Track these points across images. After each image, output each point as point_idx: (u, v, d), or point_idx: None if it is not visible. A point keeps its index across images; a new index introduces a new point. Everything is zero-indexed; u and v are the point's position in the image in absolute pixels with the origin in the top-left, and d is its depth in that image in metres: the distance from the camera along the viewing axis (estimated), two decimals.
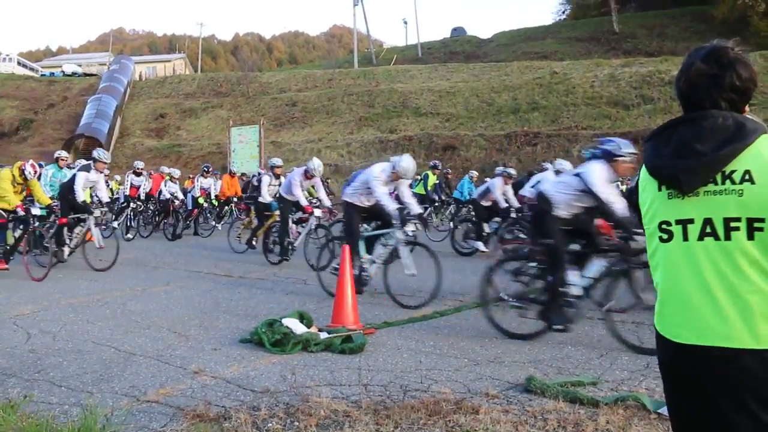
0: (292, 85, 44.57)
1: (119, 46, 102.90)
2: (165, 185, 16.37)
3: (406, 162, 7.84)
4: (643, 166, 1.94)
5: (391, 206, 7.63)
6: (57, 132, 41.72)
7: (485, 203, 12.34)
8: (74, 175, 10.69)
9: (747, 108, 1.82)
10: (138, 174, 17.66)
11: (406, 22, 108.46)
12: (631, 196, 6.95)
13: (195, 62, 75.30)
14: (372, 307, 7.33)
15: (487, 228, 12.40)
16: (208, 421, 3.74)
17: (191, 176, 20.61)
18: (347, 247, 6.80)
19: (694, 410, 1.80)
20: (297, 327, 5.68)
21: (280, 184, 11.80)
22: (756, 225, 1.67)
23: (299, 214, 11.06)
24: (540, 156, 26.78)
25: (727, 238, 1.71)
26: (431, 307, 7.16)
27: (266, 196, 11.92)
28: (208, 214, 17.82)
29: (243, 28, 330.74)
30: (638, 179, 2.01)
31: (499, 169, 13.66)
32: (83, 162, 12.39)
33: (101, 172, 10.84)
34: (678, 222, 1.80)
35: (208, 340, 5.82)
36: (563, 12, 68.86)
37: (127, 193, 17.45)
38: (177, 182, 16.91)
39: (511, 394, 4.29)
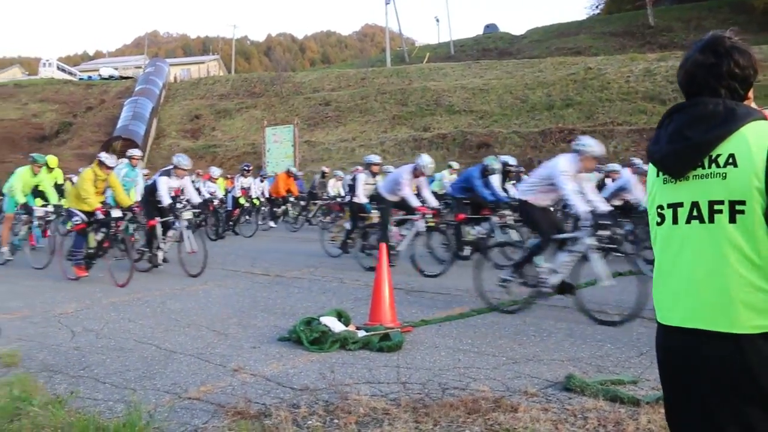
0: (325, 84, 44.71)
1: (154, 49, 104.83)
2: (204, 185, 16.53)
3: (591, 142, 6.84)
4: None
5: (582, 207, 6.51)
6: (95, 134, 42.60)
7: (616, 203, 10.86)
8: (155, 181, 10.48)
9: (750, 95, 1.85)
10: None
11: (438, 20, 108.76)
12: None
13: (228, 63, 76.05)
14: (409, 305, 7.34)
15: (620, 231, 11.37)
16: (248, 418, 3.79)
17: (230, 176, 20.65)
18: (384, 246, 6.78)
19: (679, 396, 1.83)
20: (335, 325, 5.71)
21: (374, 183, 11.19)
22: (737, 208, 1.69)
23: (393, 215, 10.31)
24: None
25: (711, 220, 1.73)
26: (468, 305, 7.15)
27: (362, 197, 11.14)
28: (248, 215, 17.81)
29: (275, 28, 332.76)
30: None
31: (616, 165, 12.52)
32: (125, 162, 12.57)
33: (181, 178, 10.60)
34: (669, 206, 1.85)
35: (246, 339, 5.88)
36: (597, 7, 67.95)
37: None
38: (216, 182, 17.06)
39: (550, 393, 4.26)
